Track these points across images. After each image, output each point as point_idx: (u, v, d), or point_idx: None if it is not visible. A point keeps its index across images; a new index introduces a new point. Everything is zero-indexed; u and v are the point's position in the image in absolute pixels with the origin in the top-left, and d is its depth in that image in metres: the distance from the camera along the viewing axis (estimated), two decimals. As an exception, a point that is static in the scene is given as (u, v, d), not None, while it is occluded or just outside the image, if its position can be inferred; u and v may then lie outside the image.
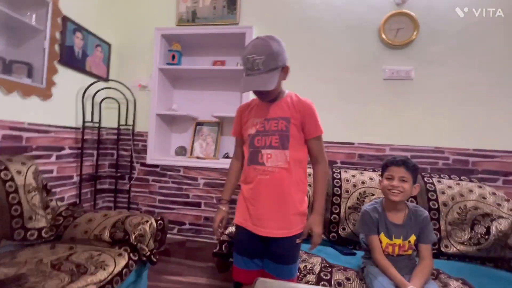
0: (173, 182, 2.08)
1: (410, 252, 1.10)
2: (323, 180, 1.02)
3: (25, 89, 1.47)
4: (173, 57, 2.04)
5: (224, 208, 1.10)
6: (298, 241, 0.98)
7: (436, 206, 1.49)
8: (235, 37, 1.97)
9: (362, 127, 1.87)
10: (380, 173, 1.21)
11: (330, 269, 1.18)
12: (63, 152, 1.75)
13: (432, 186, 1.56)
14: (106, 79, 2.07)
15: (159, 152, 2.12)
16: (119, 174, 2.08)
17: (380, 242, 1.10)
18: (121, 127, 2.06)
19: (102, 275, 1.01)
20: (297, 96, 1.02)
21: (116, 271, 1.08)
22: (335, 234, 1.57)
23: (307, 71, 1.92)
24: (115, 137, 2.09)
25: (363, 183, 1.61)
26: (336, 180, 1.66)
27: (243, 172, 1.08)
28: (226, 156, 2.08)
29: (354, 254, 1.44)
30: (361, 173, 1.67)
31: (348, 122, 1.88)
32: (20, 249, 1.18)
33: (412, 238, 1.09)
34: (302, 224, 1.00)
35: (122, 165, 2.11)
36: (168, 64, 2.05)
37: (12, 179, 1.23)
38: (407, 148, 1.81)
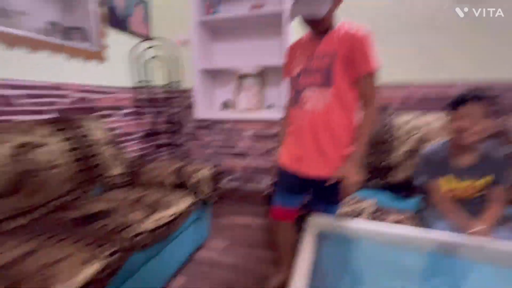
0: (221, 135, 2.18)
1: (478, 195, 1.01)
2: (367, 127, 0.90)
3: (84, 54, 1.59)
4: (210, 6, 1.96)
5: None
6: (326, 184, 0.92)
7: (515, 148, 1.29)
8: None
9: (423, 64, 1.62)
10: (446, 114, 1.05)
11: (384, 211, 1.17)
12: (123, 112, 1.93)
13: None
14: (149, 38, 2.12)
15: (206, 107, 2.20)
16: (173, 130, 2.25)
17: (444, 186, 1.02)
18: (169, 85, 2.16)
19: (171, 211, 1.17)
20: (349, 24, 0.88)
21: (181, 209, 1.24)
22: (389, 180, 1.51)
23: None
24: (166, 95, 2.21)
25: (421, 127, 1.46)
26: (390, 124, 1.53)
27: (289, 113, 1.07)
28: (271, 106, 2.06)
29: (410, 197, 1.39)
30: (420, 116, 1.51)
31: (407, 58, 1.64)
32: (105, 191, 1.42)
33: (484, 180, 0.98)
34: None
35: (175, 121, 2.27)
36: (206, 15, 1.99)
37: (88, 135, 1.43)
38: (485, 83, 1.53)
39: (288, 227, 1.13)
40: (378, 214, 1.14)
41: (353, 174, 0.87)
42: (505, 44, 1.49)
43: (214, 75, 2.27)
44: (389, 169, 1.51)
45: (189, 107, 2.23)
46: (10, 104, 1.25)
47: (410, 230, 0.80)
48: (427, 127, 1.45)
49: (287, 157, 1.04)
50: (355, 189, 0.88)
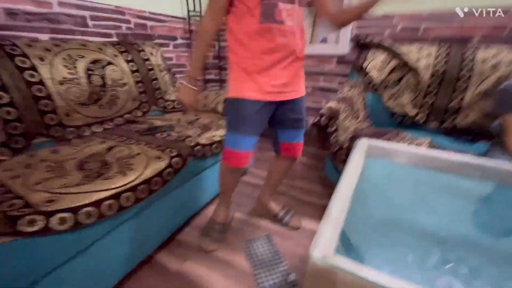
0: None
1: None
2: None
3: (140, -23, 1.59)
4: None
5: (196, 89, 0.93)
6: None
7: None
8: None
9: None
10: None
11: (441, 149, 1.09)
12: (176, 42, 1.98)
13: None
14: (201, -38, 2.01)
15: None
16: (221, 64, 2.27)
17: None
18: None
19: (222, 132, 1.26)
20: None
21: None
22: (451, 124, 1.37)
23: None
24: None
25: (510, 64, 1.23)
26: (468, 60, 1.32)
27: (246, 32, 0.83)
28: (324, 40, 1.90)
29: (474, 143, 1.26)
30: (510, 51, 1.26)
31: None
32: (163, 113, 1.56)
33: None
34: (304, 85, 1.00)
35: (223, 57, 2.27)
36: None
37: (148, 59, 1.52)
38: None
39: (240, 172, 1.04)
40: (433, 152, 1.07)
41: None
42: None
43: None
44: (456, 111, 1.36)
45: (238, 41, 2.18)
46: (86, 25, 1.37)
47: (469, 158, 0.75)
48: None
49: (257, 88, 0.87)
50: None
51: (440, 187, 0.72)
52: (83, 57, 1.18)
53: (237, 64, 0.88)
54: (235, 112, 0.91)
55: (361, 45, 1.63)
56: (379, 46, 1.55)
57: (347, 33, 1.74)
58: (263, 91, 0.87)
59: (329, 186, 1.53)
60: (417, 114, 1.45)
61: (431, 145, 1.13)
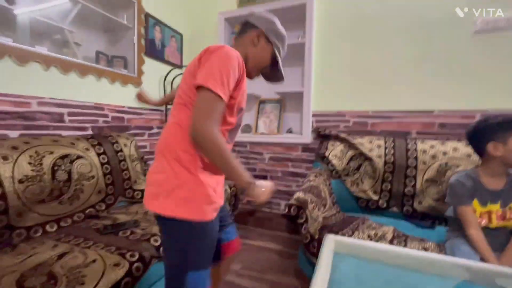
0: (241, 157, 2.26)
1: (504, 225, 0.97)
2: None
3: (124, 79, 1.78)
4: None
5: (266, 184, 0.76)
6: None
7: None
8: (294, 10, 1.95)
9: (443, 93, 1.64)
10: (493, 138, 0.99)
11: (404, 238, 1.14)
12: (152, 131, 2.08)
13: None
14: (181, 66, 2.32)
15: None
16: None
17: (477, 209, 1.01)
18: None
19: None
20: None
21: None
22: (410, 208, 1.47)
23: (373, 30, 1.76)
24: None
25: (444, 154, 1.45)
26: (411, 151, 1.53)
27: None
28: (289, 131, 2.12)
29: (433, 228, 1.34)
30: (443, 143, 1.50)
31: (426, 87, 1.67)
32: (130, 204, 1.50)
33: None
34: None
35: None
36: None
37: (121, 150, 1.55)
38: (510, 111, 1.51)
39: None
40: (399, 241, 1.11)
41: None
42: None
43: (237, 100, 2.40)
44: (411, 196, 1.48)
45: (212, 129, 2.34)
46: (62, 121, 1.42)
47: (433, 255, 0.79)
48: (449, 154, 1.43)
49: (222, 194, 0.81)
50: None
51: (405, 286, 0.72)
52: (51, 153, 1.18)
53: (194, 170, 0.70)
54: (198, 240, 0.70)
55: (321, 136, 1.85)
56: (336, 137, 1.76)
57: (309, 125, 1.98)
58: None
59: (303, 279, 1.43)
60: (379, 199, 1.54)
61: (395, 233, 1.17)
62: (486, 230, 0.97)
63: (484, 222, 0.99)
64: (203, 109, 0.64)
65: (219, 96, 0.64)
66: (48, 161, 1.15)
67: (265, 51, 0.85)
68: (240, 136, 2.23)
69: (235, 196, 1.58)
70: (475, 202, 1.01)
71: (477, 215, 1.00)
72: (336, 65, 1.90)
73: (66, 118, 1.45)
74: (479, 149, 1.04)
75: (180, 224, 0.67)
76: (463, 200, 1.02)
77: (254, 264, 1.60)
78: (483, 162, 1.05)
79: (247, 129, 2.30)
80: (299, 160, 2.05)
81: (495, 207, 0.99)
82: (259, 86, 2.25)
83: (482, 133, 1.01)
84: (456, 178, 1.07)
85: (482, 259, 0.90)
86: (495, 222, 0.98)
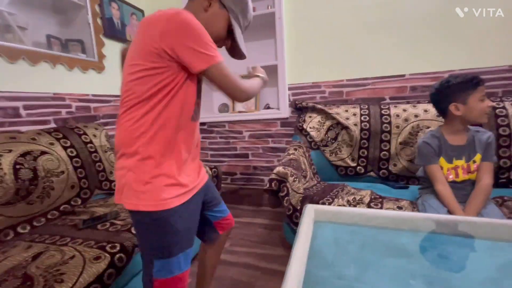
0: (220, 137, 2.22)
1: (475, 175, 1.04)
2: None
3: (83, 64, 1.64)
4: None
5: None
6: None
7: (507, 132, 1.33)
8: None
9: (413, 56, 1.66)
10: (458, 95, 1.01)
11: (380, 199, 1.19)
12: (124, 119, 1.97)
13: (503, 110, 1.37)
14: (146, 47, 2.17)
15: (204, 110, 2.23)
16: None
17: (444, 166, 1.06)
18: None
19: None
20: None
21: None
22: (386, 171, 1.54)
23: None
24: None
25: (416, 116, 1.50)
26: (385, 116, 1.56)
27: (185, 128, 0.71)
28: (267, 107, 2.09)
29: (407, 187, 1.41)
30: (414, 106, 1.54)
31: (397, 52, 1.68)
32: (109, 196, 1.45)
33: (478, 157, 1.04)
34: None
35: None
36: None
37: (91, 142, 1.46)
38: (474, 71, 1.56)
39: None
40: (375, 203, 1.16)
41: None
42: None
43: (211, 79, 2.31)
44: (387, 160, 1.54)
45: (188, 111, 2.27)
46: (18, 115, 1.30)
47: (404, 214, 0.83)
48: (420, 116, 1.48)
49: (194, 178, 0.77)
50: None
51: (383, 247, 0.76)
52: (10, 151, 1.09)
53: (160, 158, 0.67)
54: (161, 230, 0.68)
55: (299, 109, 1.84)
56: (314, 109, 1.76)
57: (285, 99, 1.96)
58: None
59: (289, 248, 1.49)
60: (357, 166, 1.60)
61: (372, 196, 1.22)
62: (453, 184, 1.04)
63: (451, 177, 1.05)
64: (224, 83, 0.66)
65: (219, 62, 0.64)
66: (7, 161, 1.06)
67: (218, 19, 0.73)
68: (218, 116, 2.18)
69: (216, 177, 1.57)
70: (442, 159, 1.06)
71: (444, 171, 1.05)
72: (309, 35, 1.84)
73: (23, 112, 1.33)
74: (442, 110, 1.08)
75: (143, 215, 0.66)
76: (430, 159, 1.07)
77: (242, 240, 1.64)
78: (446, 122, 1.10)
79: (225, 108, 2.25)
80: (279, 135, 2.05)
81: (461, 162, 1.05)
82: (233, 62, 2.16)
83: (443, 95, 1.05)
84: (422, 139, 1.11)
85: (450, 212, 0.97)
86: (462, 176, 1.05)
